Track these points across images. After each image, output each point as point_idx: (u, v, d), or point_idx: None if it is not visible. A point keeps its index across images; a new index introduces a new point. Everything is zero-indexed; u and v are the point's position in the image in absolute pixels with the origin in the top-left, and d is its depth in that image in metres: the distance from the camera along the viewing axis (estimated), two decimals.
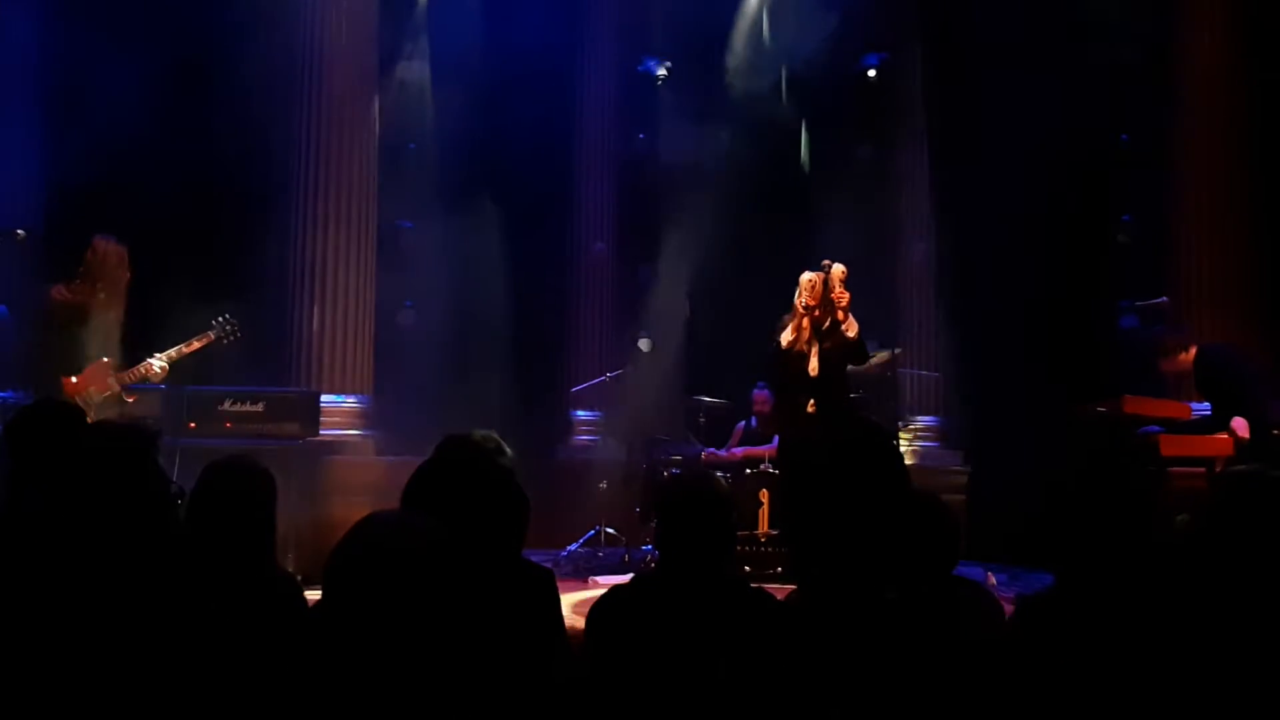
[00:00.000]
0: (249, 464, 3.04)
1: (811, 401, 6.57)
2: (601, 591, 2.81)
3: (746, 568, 6.44)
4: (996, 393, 8.40)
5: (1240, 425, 6.04)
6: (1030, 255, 8.32)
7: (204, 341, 6.10)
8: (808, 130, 9.87)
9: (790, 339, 6.70)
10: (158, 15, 7.47)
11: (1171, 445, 6.22)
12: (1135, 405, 6.38)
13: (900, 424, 8.50)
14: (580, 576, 7.20)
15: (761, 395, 8.41)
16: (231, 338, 6.18)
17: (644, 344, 8.70)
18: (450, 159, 8.92)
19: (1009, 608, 2.61)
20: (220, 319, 6.18)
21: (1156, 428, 6.31)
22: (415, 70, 8.97)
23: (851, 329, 6.58)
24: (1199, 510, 2.18)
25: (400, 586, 1.67)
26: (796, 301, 6.71)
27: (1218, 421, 6.22)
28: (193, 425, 6.19)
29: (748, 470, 7.26)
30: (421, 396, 7.91)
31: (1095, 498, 2.24)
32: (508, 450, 2.76)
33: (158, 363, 5.95)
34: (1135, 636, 2.03)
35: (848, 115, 9.69)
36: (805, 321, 6.68)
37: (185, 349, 6.05)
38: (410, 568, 1.68)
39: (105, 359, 5.90)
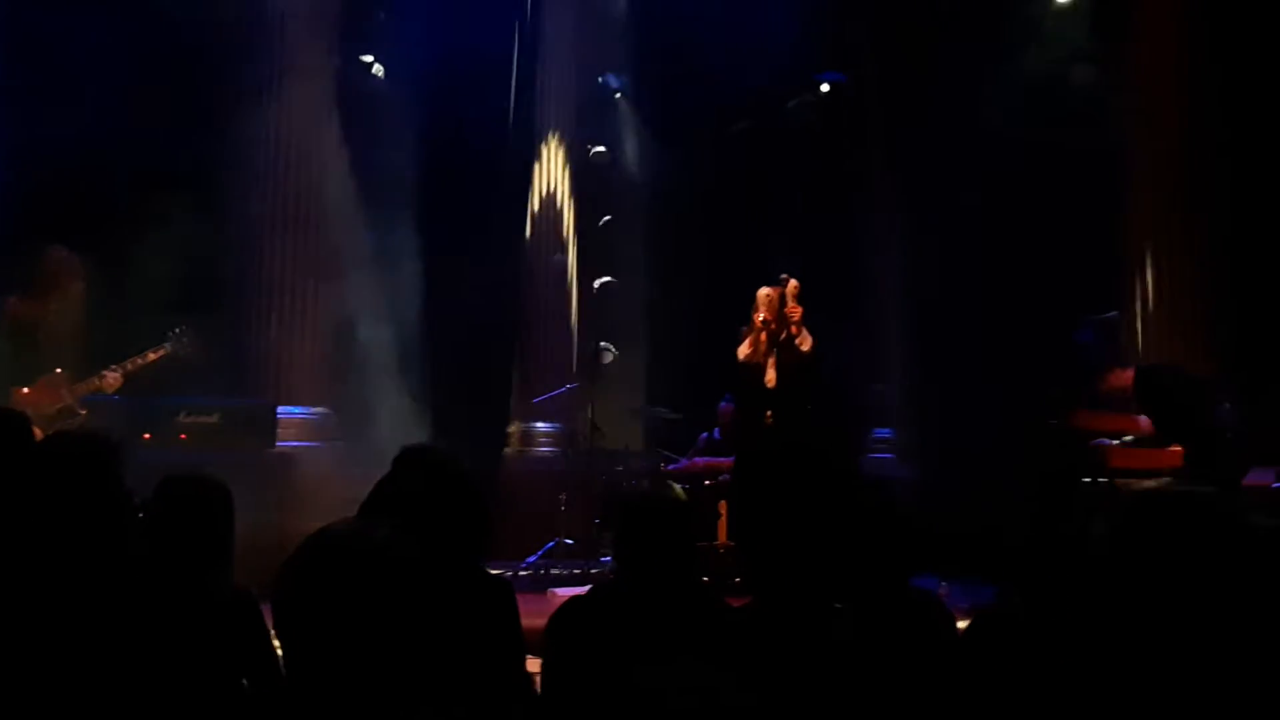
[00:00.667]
0: (206, 478, 3.03)
1: (769, 413, 6.67)
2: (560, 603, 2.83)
3: (705, 578, 6.48)
4: (951, 406, 8.50)
5: (1146, 423, 6.15)
6: (986, 267, 8.44)
7: (159, 354, 6.06)
8: (768, 143, 9.95)
9: (748, 352, 6.80)
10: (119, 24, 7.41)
11: (1121, 458, 6.31)
12: (1087, 419, 6.48)
13: (858, 435, 8.60)
14: (539, 589, 7.19)
15: (728, 408, 8.46)
16: (187, 350, 6.13)
17: (607, 355, 8.72)
18: (409, 168, 8.90)
19: (962, 619, 2.65)
20: (176, 331, 6.14)
21: (1108, 440, 6.40)
22: (371, 80, 8.95)
23: (805, 343, 6.69)
24: (1108, 525, 2.23)
25: (355, 599, 1.66)
26: (754, 316, 6.82)
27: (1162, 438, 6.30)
28: (147, 437, 6.14)
29: (706, 481, 7.30)
30: (380, 409, 7.87)
31: (1040, 511, 2.29)
32: (466, 462, 2.78)
33: (112, 375, 5.90)
34: (1072, 648, 2.07)
35: (806, 129, 9.78)
36: (762, 335, 6.78)
37: (140, 361, 6.00)
38: (365, 580, 1.67)
39: (59, 370, 5.84)
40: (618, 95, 9.81)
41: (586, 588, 2.86)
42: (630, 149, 9.66)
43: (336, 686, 1.64)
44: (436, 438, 6.75)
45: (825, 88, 9.70)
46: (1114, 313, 7.54)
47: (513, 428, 9.41)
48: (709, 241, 9.23)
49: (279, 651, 2.07)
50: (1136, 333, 7.65)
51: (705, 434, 8.69)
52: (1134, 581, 2.05)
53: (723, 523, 6.98)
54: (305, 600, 1.67)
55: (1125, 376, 6.43)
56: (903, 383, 9.28)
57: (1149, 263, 7.72)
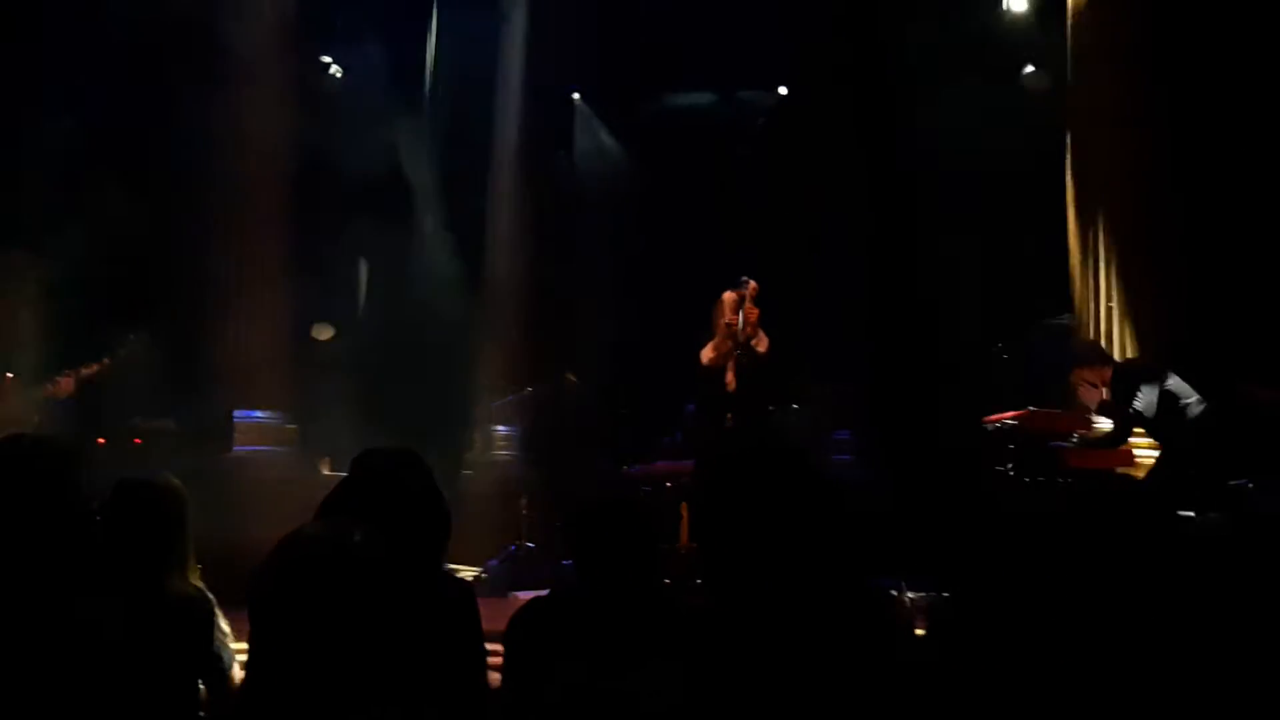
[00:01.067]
0: (161, 480, 3.00)
1: (730, 416, 6.69)
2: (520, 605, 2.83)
3: (666, 580, 6.49)
4: (910, 407, 8.57)
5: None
6: (941, 269, 8.52)
7: (111, 360, 6.00)
8: (730, 147, 10.00)
9: (711, 356, 6.82)
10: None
11: (1077, 458, 6.39)
12: (1040, 420, 6.55)
13: (817, 437, 8.62)
14: (500, 592, 7.17)
15: (694, 412, 8.48)
16: (142, 356, 6.08)
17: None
18: (366, 172, 8.86)
19: (920, 619, 2.68)
20: (130, 337, 6.09)
21: (1063, 442, 6.47)
22: (330, 84, 8.90)
23: (762, 344, 6.73)
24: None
25: (332, 601, 1.66)
26: (718, 320, 6.84)
27: (1119, 437, 6.37)
28: (102, 442, 6.08)
29: (668, 484, 7.32)
30: (340, 413, 7.83)
31: (992, 510, 2.32)
32: (426, 464, 2.77)
33: (65, 380, 5.84)
34: (1023, 646, 2.11)
35: (769, 132, 9.85)
36: (726, 339, 6.81)
37: (95, 366, 5.93)
38: (343, 582, 1.67)
39: (10, 375, 5.77)
40: (577, 99, 9.83)
41: (547, 590, 2.86)
42: (590, 150, 9.69)
43: (310, 684, 1.64)
44: (398, 441, 6.71)
45: (783, 91, 9.77)
46: (1067, 315, 7.63)
47: (474, 431, 9.39)
48: (665, 244, 9.26)
49: (242, 653, 2.06)
50: (1095, 335, 7.73)
51: (668, 437, 8.71)
52: (1076, 578, 2.09)
53: (684, 524, 7.00)
54: (283, 602, 1.67)
55: (1093, 375, 6.42)
56: (861, 384, 9.32)
57: (1105, 264, 7.79)
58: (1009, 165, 8.29)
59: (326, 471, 7.11)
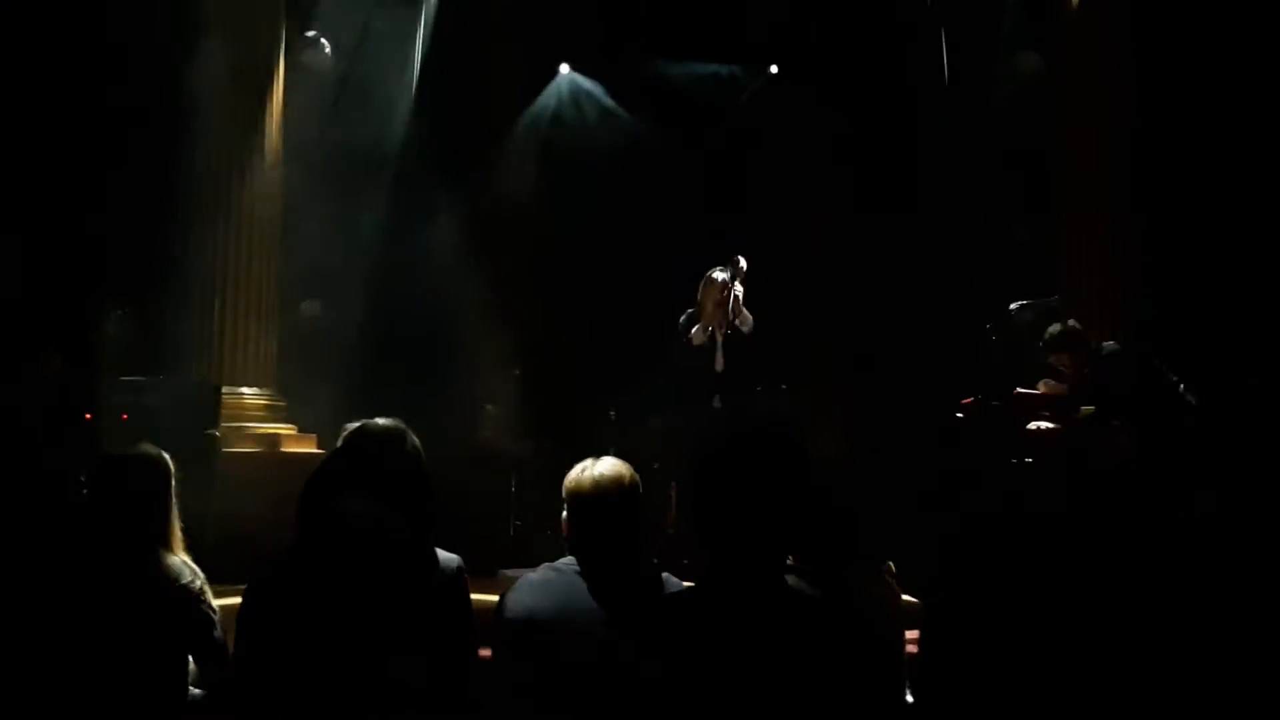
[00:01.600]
0: (145, 453, 3.00)
1: (718, 397, 6.67)
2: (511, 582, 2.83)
3: (655, 559, 6.49)
4: (891, 391, 8.59)
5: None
6: (917, 256, 8.55)
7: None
8: (711, 131, 9.99)
9: (702, 339, 6.76)
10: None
11: (1030, 414, 6.41)
12: (1025, 399, 6.54)
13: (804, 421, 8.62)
14: (489, 570, 7.17)
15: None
16: (129, 332, 6.06)
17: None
18: (355, 151, 8.80)
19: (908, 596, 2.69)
20: (118, 313, 6.06)
21: (1045, 423, 6.47)
22: (316, 61, 8.81)
23: (746, 323, 6.68)
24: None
25: (363, 576, 1.66)
26: (705, 300, 6.75)
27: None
28: (89, 417, 6.05)
29: (655, 465, 7.31)
30: (330, 390, 7.80)
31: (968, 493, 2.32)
32: (414, 439, 2.76)
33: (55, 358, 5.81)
34: (1004, 633, 2.12)
35: (750, 116, 9.84)
36: (716, 320, 6.74)
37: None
38: (374, 559, 1.67)
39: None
40: (564, 68, 9.82)
41: (537, 568, 2.86)
42: (573, 133, 9.71)
43: (301, 660, 1.64)
44: (386, 415, 6.67)
45: (774, 69, 9.76)
46: (1055, 297, 7.63)
47: (470, 411, 9.37)
48: (651, 224, 9.24)
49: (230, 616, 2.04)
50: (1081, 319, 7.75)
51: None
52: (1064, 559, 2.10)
53: (671, 503, 7.00)
54: (288, 579, 1.67)
55: (1066, 360, 6.43)
56: (841, 367, 9.32)
57: (1076, 253, 7.84)
58: (1005, 144, 8.32)
59: (314, 449, 7.10)
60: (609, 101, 9.76)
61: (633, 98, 9.66)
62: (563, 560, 2.81)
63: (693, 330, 6.78)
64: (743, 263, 6.71)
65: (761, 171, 9.57)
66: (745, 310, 6.65)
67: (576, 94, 9.92)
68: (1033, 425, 6.44)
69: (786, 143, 9.75)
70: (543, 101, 9.95)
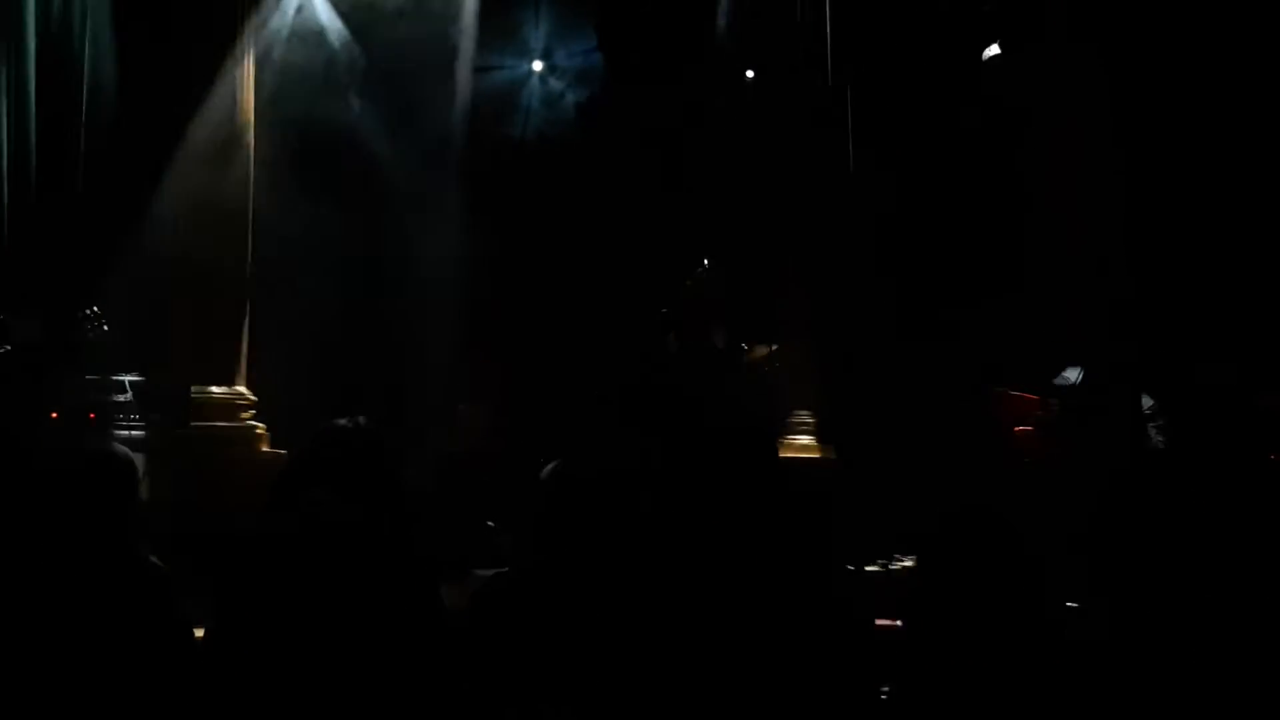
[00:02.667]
0: (108, 450, 2.96)
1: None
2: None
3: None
4: (871, 388, 8.58)
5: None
6: (902, 252, 8.56)
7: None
8: (685, 126, 9.97)
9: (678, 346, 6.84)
10: None
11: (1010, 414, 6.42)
12: (1010, 402, 6.56)
13: (777, 419, 8.60)
14: (461, 571, 7.13)
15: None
16: (98, 331, 5.99)
17: None
18: (324, 146, 8.72)
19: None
20: (88, 311, 5.99)
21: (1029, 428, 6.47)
22: (289, 50, 8.72)
23: (721, 340, 6.79)
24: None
25: (306, 578, 1.65)
26: (682, 309, 6.85)
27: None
28: (55, 415, 5.98)
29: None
30: (303, 389, 7.74)
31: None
32: (384, 438, 2.73)
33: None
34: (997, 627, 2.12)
35: (728, 109, 9.81)
36: (690, 326, 6.82)
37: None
38: (347, 558, 1.66)
39: None
40: (534, 72, 9.82)
41: (508, 567, 2.84)
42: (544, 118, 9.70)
43: (272, 654, 1.63)
44: (355, 415, 6.62)
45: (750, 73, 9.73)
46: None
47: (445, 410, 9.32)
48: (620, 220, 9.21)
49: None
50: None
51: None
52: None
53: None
54: (262, 576, 1.66)
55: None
56: (821, 363, 9.32)
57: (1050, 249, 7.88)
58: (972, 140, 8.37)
59: (278, 449, 7.06)
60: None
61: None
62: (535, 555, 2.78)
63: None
64: (709, 269, 6.81)
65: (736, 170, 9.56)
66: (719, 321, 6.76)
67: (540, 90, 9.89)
68: (1019, 429, 6.46)
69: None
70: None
